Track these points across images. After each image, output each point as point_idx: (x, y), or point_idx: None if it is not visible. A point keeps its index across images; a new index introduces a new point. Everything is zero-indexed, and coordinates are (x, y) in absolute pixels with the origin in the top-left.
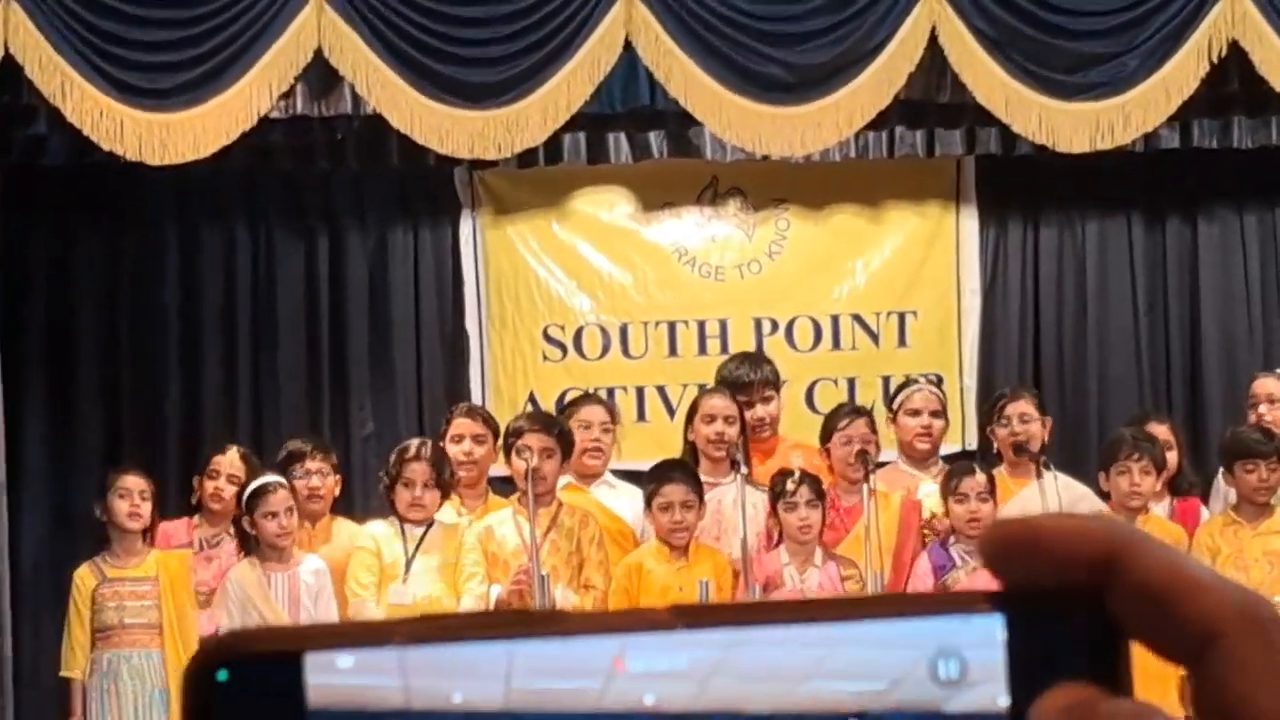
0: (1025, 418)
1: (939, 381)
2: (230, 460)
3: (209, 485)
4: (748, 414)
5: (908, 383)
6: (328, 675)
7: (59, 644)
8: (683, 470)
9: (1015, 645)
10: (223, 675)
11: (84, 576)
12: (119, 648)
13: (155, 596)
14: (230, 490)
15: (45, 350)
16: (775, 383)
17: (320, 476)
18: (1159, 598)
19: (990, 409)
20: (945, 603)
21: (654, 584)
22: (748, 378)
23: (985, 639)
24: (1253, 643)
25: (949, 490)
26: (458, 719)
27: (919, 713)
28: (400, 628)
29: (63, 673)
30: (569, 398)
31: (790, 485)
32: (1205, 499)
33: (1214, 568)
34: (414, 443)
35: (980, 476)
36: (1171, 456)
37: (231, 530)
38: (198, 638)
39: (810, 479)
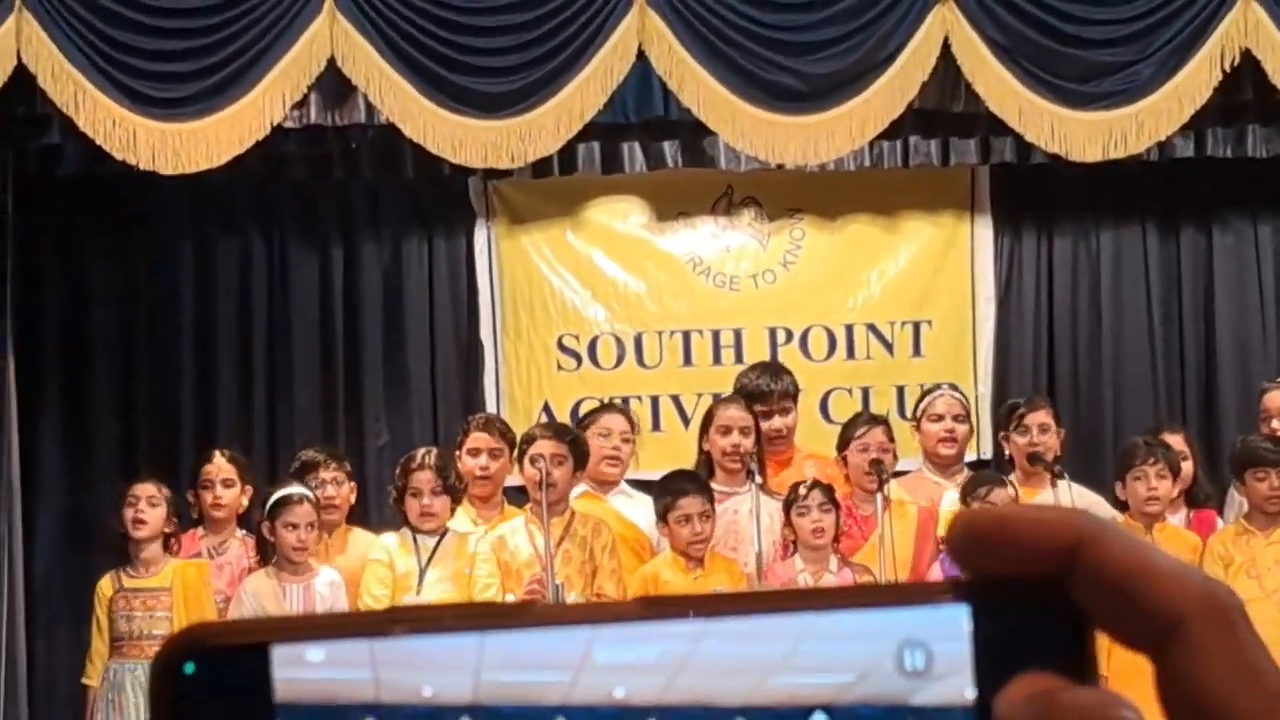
0: (1044, 428)
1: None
2: (219, 466)
3: (205, 496)
4: (765, 424)
5: (931, 389)
6: (296, 668)
7: (73, 653)
8: (695, 481)
9: (981, 636)
10: (189, 668)
11: (104, 585)
12: (126, 658)
13: (169, 607)
14: (228, 494)
15: (60, 360)
16: (794, 394)
17: (335, 486)
18: (1122, 586)
19: (1008, 417)
20: (911, 593)
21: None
22: (767, 387)
23: (951, 630)
24: (1215, 630)
25: (975, 499)
26: (427, 712)
27: (886, 705)
28: (369, 620)
29: (83, 680)
30: (588, 406)
31: (803, 490)
32: (1221, 509)
33: (1224, 575)
34: (419, 452)
35: (1009, 491)
36: (1187, 467)
37: (239, 533)
38: None
39: (822, 485)
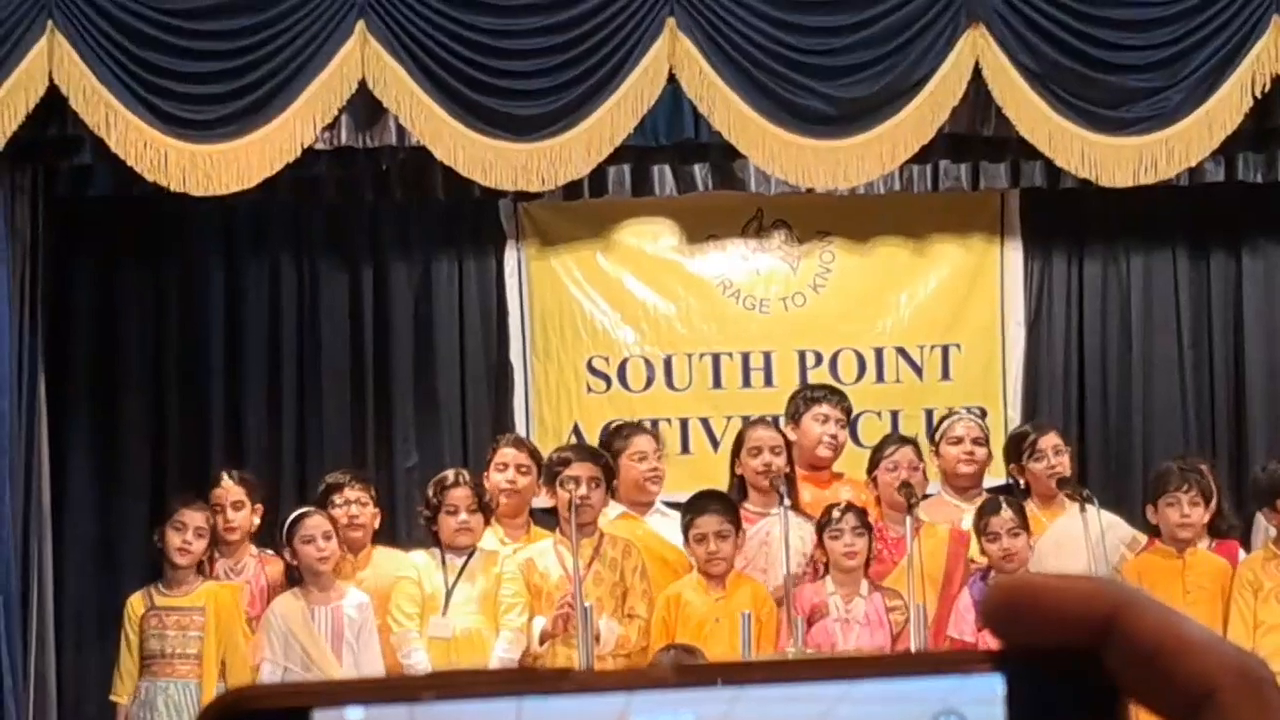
0: (1058, 449)
1: (981, 414)
2: (227, 489)
3: (217, 519)
4: (821, 429)
5: (949, 414)
6: None
7: (101, 672)
8: (718, 500)
9: (1015, 705)
10: None
11: (135, 603)
12: (157, 677)
13: (200, 628)
14: (239, 516)
15: (90, 381)
16: (849, 411)
17: (359, 505)
18: (1156, 657)
19: (1018, 446)
20: (946, 662)
21: (692, 615)
22: (828, 396)
23: (985, 699)
24: (1247, 702)
25: (979, 529)
26: None
27: None
28: (409, 684)
29: (111, 696)
30: (614, 429)
31: (836, 514)
32: (1247, 540)
33: (1253, 601)
34: (450, 472)
35: (1007, 512)
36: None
37: (253, 551)
38: (248, 666)
39: (856, 509)
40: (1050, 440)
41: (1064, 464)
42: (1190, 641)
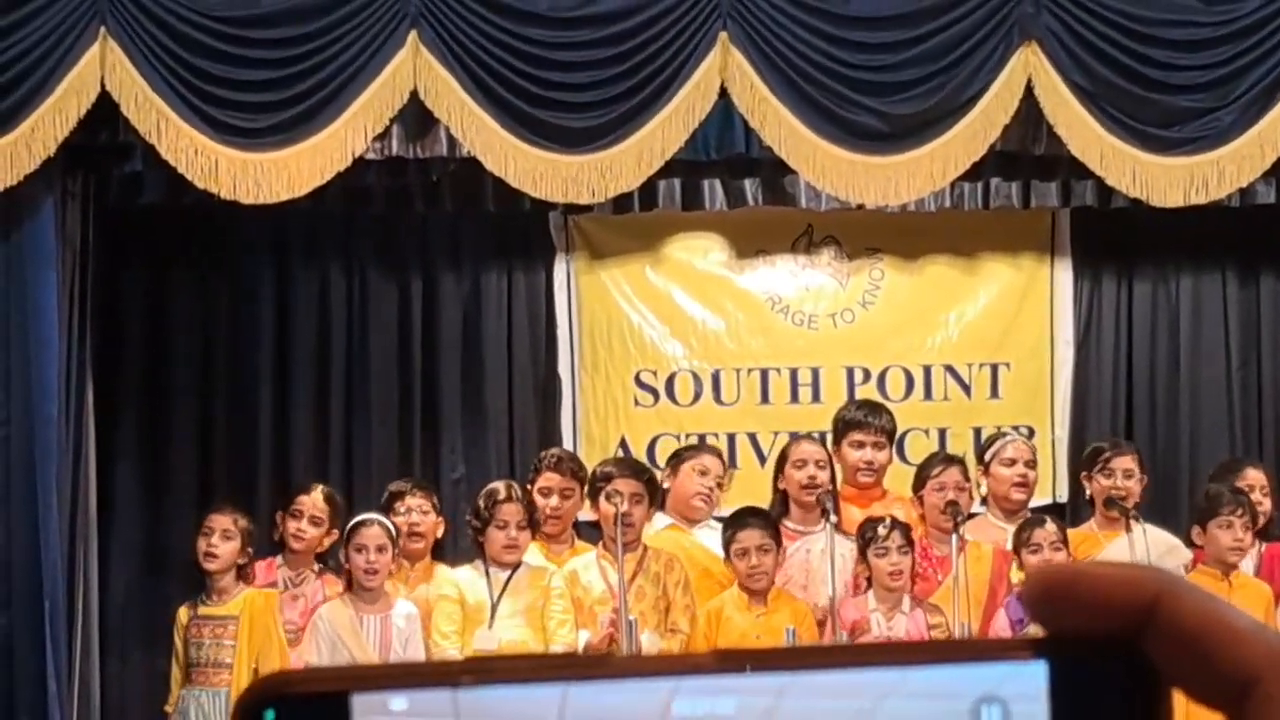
0: (1129, 474)
1: (1030, 434)
2: (314, 501)
3: (291, 524)
4: (858, 455)
5: (998, 435)
6: (378, 716)
7: (146, 680)
8: (759, 516)
9: (1057, 692)
10: (270, 715)
11: (181, 613)
12: (193, 686)
13: (234, 636)
14: (312, 531)
15: (139, 389)
16: (890, 431)
17: (420, 514)
18: (1198, 644)
19: (1092, 459)
20: (989, 649)
21: (733, 631)
22: (865, 419)
23: (1028, 686)
24: None
25: (1021, 543)
26: None
27: None
28: (450, 669)
29: (165, 708)
30: (665, 443)
31: (882, 531)
32: None
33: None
34: (501, 485)
35: (1051, 526)
36: (1267, 503)
37: (315, 568)
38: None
39: (901, 526)
40: (1123, 462)
41: (1130, 489)
42: (1234, 629)
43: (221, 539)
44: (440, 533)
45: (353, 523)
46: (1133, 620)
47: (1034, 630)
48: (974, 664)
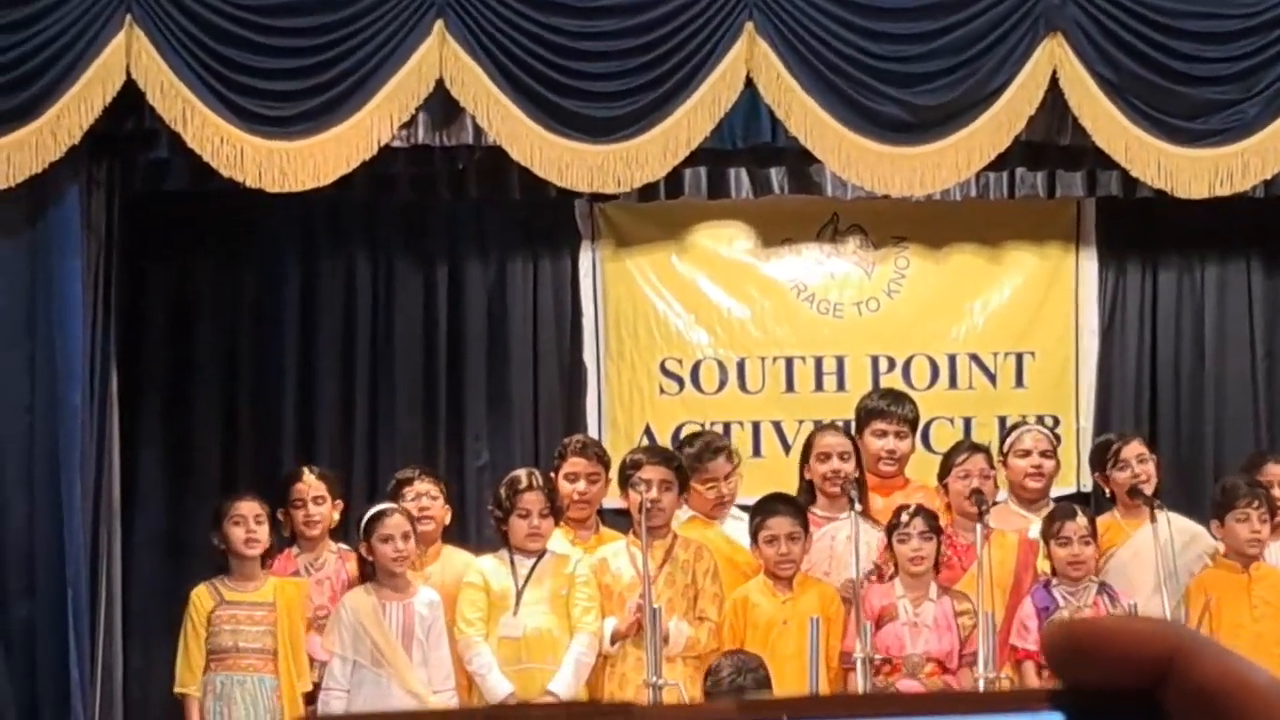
0: (1141, 458)
1: (1054, 423)
2: (309, 484)
3: (298, 515)
4: (880, 444)
5: (1018, 425)
6: None
7: (169, 669)
8: (787, 503)
9: None
10: None
11: (201, 596)
12: (233, 671)
13: (271, 622)
14: (320, 511)
15: (163, 375)
16: (913, 420)
17: (429, 499)
18: (1216, 700)
19: (1103, 455)
20: (1007, 701)
21: (760, 618)
22: (888, 408)
23: None
24: None
25: (1051, 534)
26: None
27: None
28: (469, 716)
29: (177, 689)
30: (689, 430)
31: (905, 517)
32: None
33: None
34: (522, 473)
35: (1082, 520)
36: None
37: (333, 546)
38: (307, 662)
39: (925, 512)
40: (1134, 449)
41: (1147, 472)
42: (1251, 686)
43: (257, 524)
44: (448, 518)
45: (371, 514)
46: (1150, 675)
47: (1052, 680)
48: (993, 715)
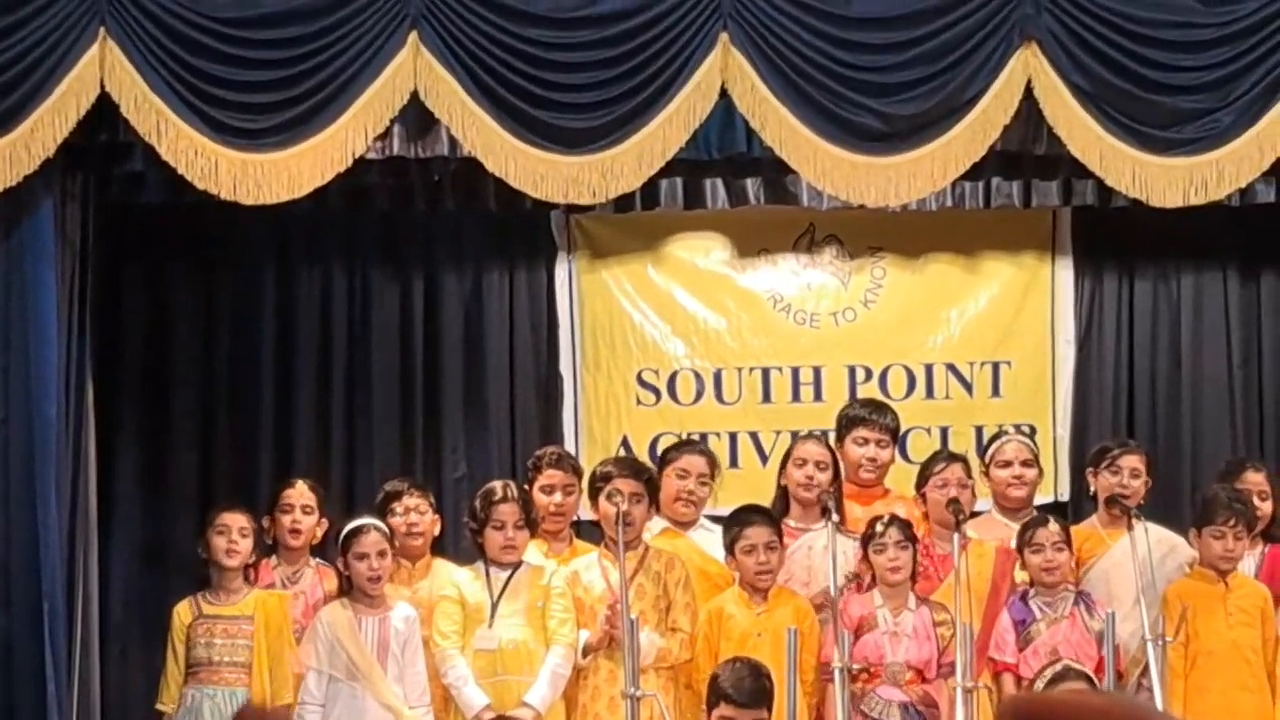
0: (1135, 473)
1: (1031, 432)
2: (300, 492)
3: (284, 520)
4: (860, 451)
5: (998, 435)
6: None
7: (147, 679)
8: (762, 514)
9: None
10: None
11: (182, 612)
12: (204, 684)
13: (249, 636)
14: (307, 521)
15: (140, 387)
16: (894, 429)
17: (418, 514)
18: None
19: (1100, 456)
20: None
21: (734, 630)
22: (869, 415)
23: None
24: None
25: (1024, 542)
26: None
27: None
28: None
29: (157, 706)
30: (666, 441)
31: (879, 527)
32: None
33: None
34: (497, 485)
35: (1054, 526)
36: (1266, 506)
37: (312, 562)
38: (290, 675)
39: (900, 522)
40: (1131, 461)
41: (1135, 489)
42: None
43: (240, 535)
44: (438, 530)
45: (349, 529)
46: None
47: (1047, 631)
48: None
